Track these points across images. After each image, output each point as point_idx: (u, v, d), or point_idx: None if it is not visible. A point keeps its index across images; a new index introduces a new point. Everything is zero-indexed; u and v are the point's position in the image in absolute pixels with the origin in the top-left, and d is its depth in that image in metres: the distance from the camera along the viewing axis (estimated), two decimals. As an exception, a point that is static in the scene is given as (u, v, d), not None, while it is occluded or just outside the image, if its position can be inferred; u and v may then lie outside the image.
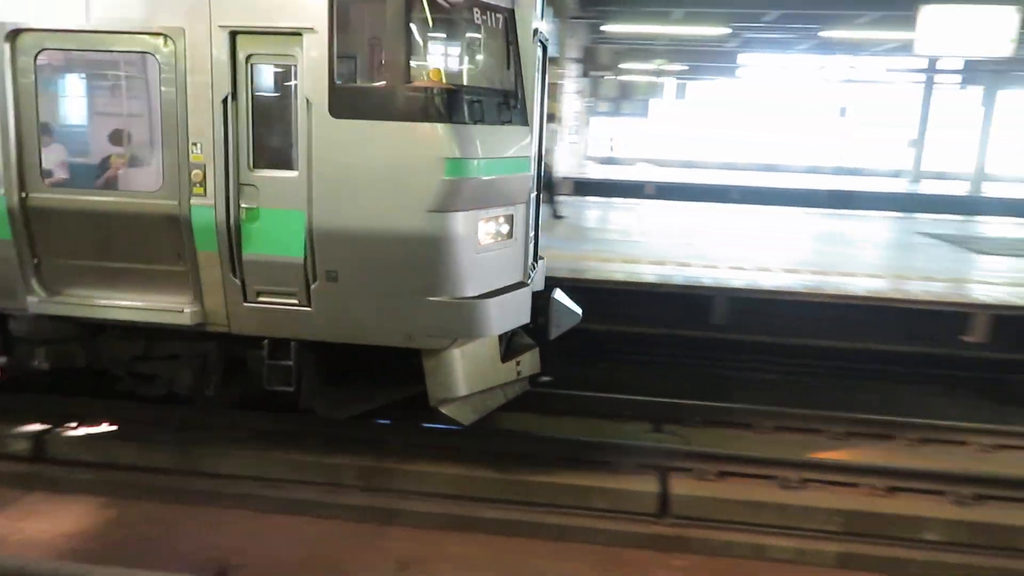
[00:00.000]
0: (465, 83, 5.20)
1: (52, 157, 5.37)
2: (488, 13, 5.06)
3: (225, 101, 4.93)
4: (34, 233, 5.31)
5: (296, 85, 4.90)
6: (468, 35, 5.14)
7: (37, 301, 5.42)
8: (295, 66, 4.88)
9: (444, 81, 4.88)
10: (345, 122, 4.85)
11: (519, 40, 5.20)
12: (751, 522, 5.38)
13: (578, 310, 6.33)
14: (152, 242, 5.26)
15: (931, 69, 28.63)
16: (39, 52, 5.11)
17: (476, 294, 5.14)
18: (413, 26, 4.78)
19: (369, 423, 6.27)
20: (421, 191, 4.85)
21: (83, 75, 5.90)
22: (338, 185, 4.93)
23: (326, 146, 4.90)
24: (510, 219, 5.36)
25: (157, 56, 5.01)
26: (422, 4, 4.76)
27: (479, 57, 5.22)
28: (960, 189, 27.28)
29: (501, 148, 5.14)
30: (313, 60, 4.79)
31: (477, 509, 5.49)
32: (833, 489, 5.60)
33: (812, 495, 5.53)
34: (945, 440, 6.53)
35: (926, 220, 16.34)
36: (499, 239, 5.30)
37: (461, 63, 5.26)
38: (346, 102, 4.85)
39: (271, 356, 5.43)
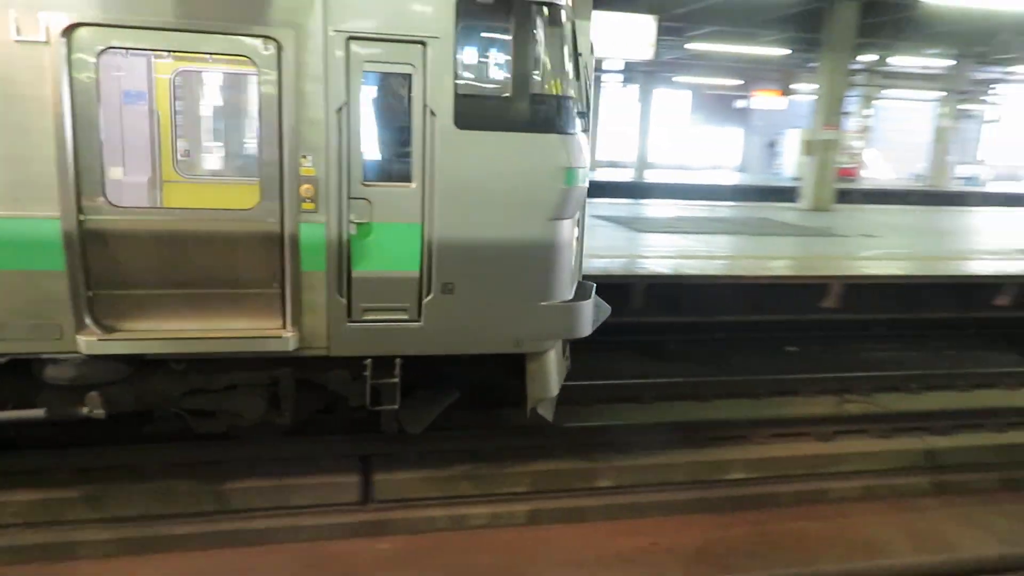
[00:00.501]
0: (570, 94, 5.11)
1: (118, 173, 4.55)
2: (573, 24, 5.11)
3: (340, 111, 4.59)
4: (91, 262, 4.52)
5: (415, 95, 4.72)
6: (567, 47, 5.05)
7: (94, 340, 4.56)
8: (415, 75, 4.68)
9: (560, 92, 4.93)
10: (470, 133, 4.78)
11: (583, 50, 5.29)
12: (450, 495, 5.71)
13: (607, 306, 6.24)
14: (241, 265, 4.74)
15: (597, 69, 32.20)
16: (103, 51, 4.33)
17: (573, 297, 5.35)
18: (538, 38, 4.82)
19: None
20: (544, 200, 4.97)
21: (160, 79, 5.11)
22: (460, 196, 4.85)
23: (449, 157, 4.78)
24: (578, 223, 5.54)
25: (257, 60, 4.50)
26: (544, 17, 4.81)
27: (572, 68, 5.15)
28: (627, 176, 31.17)
29: (585, 157, 5.23)
30: (437, 70, 4.66)
31: (167, 527, 5.16)
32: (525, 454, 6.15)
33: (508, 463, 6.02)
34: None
35: (600, 204, 18.30)
36: (574, 244, 5.46)
37: (564, 74, 5.08)
38: (472, 113, 4.76)
39: (374, 376, 5.08)
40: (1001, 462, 6.74)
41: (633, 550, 5.40)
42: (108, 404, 4.89)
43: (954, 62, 27.84)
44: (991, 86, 32.88)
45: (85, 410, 4.85)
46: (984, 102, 33.39)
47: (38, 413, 4.83)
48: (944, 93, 30.23)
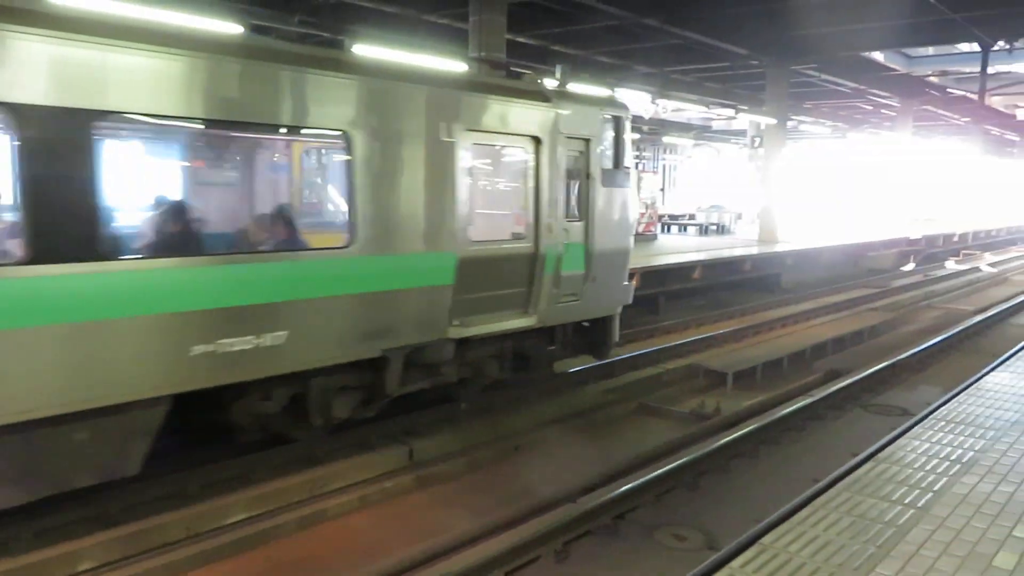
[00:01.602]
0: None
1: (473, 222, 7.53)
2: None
3: (565, 179, 8.37)
4: (459, 278, 7.28)
5: (584, 168, 8.68)
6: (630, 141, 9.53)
7: (459, 328, 7.40)
8: (584, 157, 8.65)
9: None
10: (606, 189, 8.91)
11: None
12: None
13: None
14: (511, 274, 7.99)
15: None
16: (471, 144, 7.44)
17: None
18: (626, 136, 9.24)
19: None
20: (631, 224, 9.66)
21: (490, 163, 8.24)
22: (601, 225, 8.87)
23: (598, 203, 8.81)
24: None
25: (529, 150, 8.10)
26: (624, 124, 9.16)
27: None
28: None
29: None
30: (594, 153, 8.70)
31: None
32: None
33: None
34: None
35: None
36: None
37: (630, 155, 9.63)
38: (608, 177, 8.92)
39: (551, 340, 9.11)
40: (463, 447, 7.80)
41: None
42: (451, 373, 7.74)
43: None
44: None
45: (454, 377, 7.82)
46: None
47: (423, 384, 7.53)
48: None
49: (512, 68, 16.22)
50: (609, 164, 8.94)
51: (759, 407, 9.50)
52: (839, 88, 27.86)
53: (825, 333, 13.53)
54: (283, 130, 6.42)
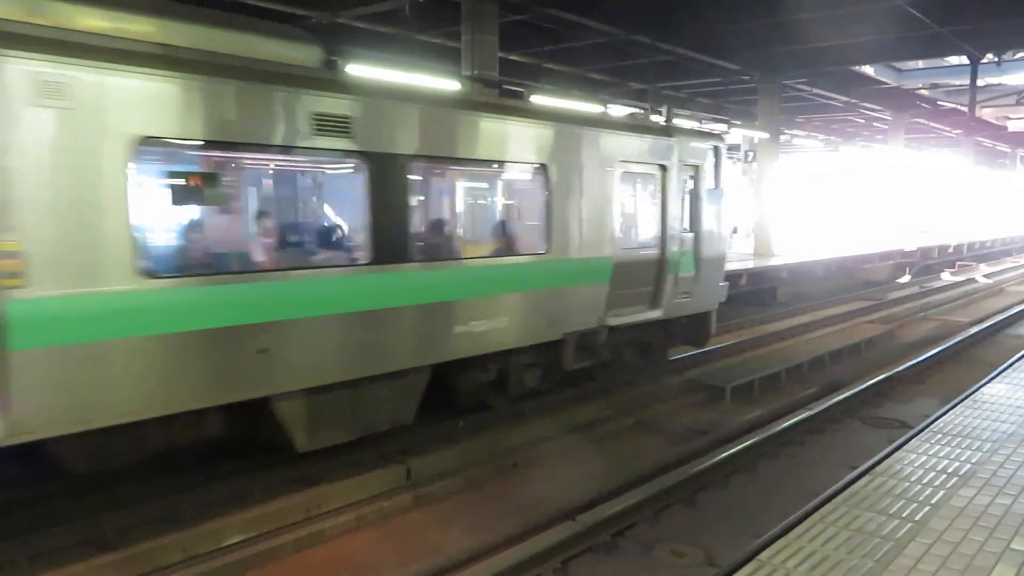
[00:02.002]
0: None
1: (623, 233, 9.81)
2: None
3: (681, 198, 10.48)
4: (613, 277, 9.42)
5: (695, 189, 10.79)
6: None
7: (613, 318, 9.48)
8: (695, 179, 10.78)
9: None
10: (709, 206, 10.97)
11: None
12: None
13: None
14: (645, 275, 10.05)
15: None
16: (621, 173, 9.58)
17: None
18: (722, 162, 11.28)
19: None
20: (726, 236, 12.14)
21: (632, 187, 10.16)
22: (707, 236, 10.98)
23: (705, 218, 10.90)
24: None
25: (657, 175, 10.22)
26: (721, 152, 11.32)
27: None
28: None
29: None
30: (702, 177, 10.87)
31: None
32: None
33: None
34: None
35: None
36: None
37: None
38: (710, 196, 10.97)
39: (667, 333, 11.12)
40: (462, 465, 7.77)
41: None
42: (605, 355, 9.79)
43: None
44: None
45: (599, 359, 9.76)
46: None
47: (586, 363, 9.60)
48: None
49: (505, 87, 16.31)
50: (711, 185, 11.05)
51: (757, 421, 9.49)
52: (830, 102, 28.03)
53: (822, 346, 13.55)
54: (512, 165, 8.67)
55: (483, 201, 9.61)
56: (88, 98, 5.08)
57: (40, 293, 4.90)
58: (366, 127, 6.79)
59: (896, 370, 11.65)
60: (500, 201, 9.57)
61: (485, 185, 9.43)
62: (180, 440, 6.21)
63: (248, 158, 6.84)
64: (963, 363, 13.32)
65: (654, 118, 11.04)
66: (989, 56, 18.45)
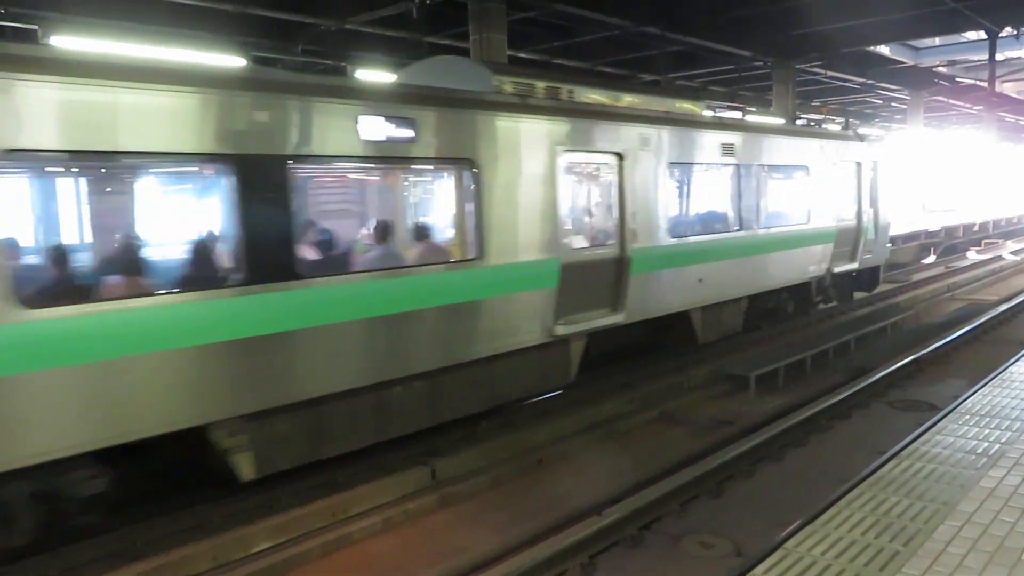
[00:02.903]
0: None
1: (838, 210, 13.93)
2: None
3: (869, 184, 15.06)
4: (836, 239, 13.49)
5: (872, 178, 15.29)
6: None
7: (838, 266, 14.04)
8: (873, 171, 15.20)
9: None
10: (881, 188, 15.48)
11: None
12: None
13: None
14: (851, 238, 14.50)
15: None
16: (855, 164, 14.25)
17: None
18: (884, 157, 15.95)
19: None
20: (887, 211, 16.05)
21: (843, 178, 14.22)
22: (880, 211, 15.43)
23: (878, 198, 15.32)
24: None
25: (863, 167, 14.58)
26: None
27: None
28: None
29: None
30: (878, 168, 15.38)
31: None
32: None
33: None
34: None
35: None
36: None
37: None
38: (879, 183, 15.51)
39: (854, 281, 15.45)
40: (486, 464, 7.77)
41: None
42: (830, 292, 14.26)
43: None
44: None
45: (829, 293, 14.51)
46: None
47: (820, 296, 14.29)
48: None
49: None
50: (879, 174, 15.11)
51: (783, 409, 9.40)
52: (847, 84, 27.68)
53: (847, 331, 13.39)
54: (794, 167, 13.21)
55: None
56: None
57: None
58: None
59: (923, 352, 11.48)
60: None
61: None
62: None
63: None
64: (991, 342, 13.10)
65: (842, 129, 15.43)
66: (1008, 30, 18.08)
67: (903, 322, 14.78)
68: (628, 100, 10.03)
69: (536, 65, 19.97)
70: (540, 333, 8.33)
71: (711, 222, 11.25)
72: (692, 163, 10.69)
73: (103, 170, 5.83)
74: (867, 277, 15.74)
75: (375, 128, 6.79)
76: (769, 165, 12.07)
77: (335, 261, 6.98)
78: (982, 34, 19.23)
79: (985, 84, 21.72)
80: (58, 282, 5.28)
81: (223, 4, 13.96)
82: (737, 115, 13.08)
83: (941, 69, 26.97)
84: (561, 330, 8.51)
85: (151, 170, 6.02)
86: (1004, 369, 8.05)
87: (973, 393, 7.13)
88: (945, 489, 4.73)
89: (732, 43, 19.35)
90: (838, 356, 12.23)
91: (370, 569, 6.00)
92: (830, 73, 24.39)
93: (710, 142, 10.84)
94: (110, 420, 5.29)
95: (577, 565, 5.73)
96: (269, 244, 6.05)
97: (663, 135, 9.93)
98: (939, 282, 20.19)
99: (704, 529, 6.37)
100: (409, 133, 7.04)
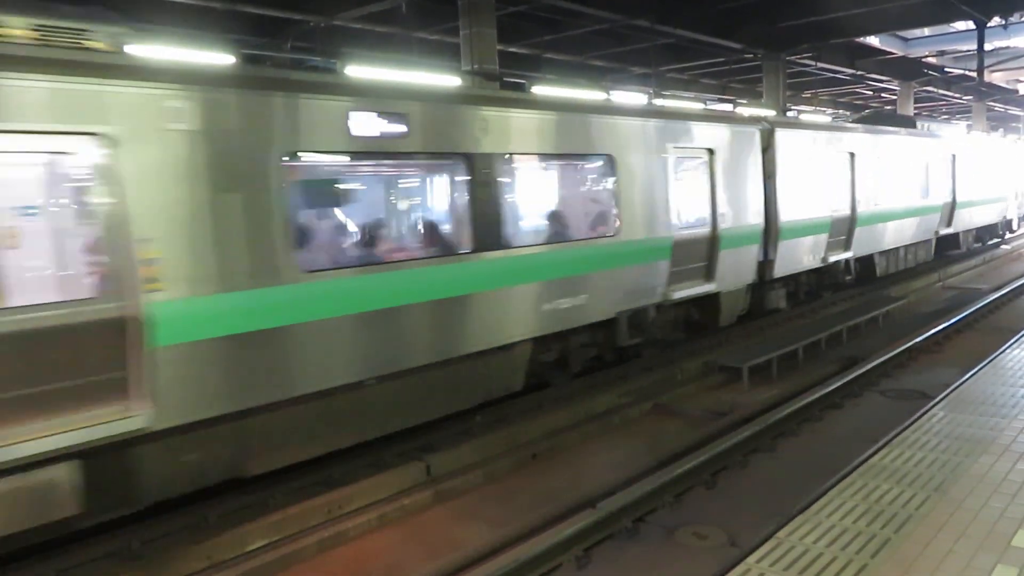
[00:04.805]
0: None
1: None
2: None
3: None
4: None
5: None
6: None
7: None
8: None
9: None
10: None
11: None
12: None
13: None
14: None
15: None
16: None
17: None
18: None
19: None
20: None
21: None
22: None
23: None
24: None
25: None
26: None
27: None
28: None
29: None
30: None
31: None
32: None
33: None
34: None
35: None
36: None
37: None
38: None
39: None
40: (480, 459, 7.79)
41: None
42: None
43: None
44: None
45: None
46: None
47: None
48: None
49: (506, 79, 16.28)
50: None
51: (776, 400, 9.44)
52: (837, 75, 27.73)
53: (839, 321, 13.43)
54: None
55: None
56: None
57: None
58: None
59: (915, 341, 11.53)
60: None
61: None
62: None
63: None
64: (983, 331, 13.16)
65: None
66: (996, 19, 18.14)
67: (895, 311, 14.81)
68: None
69: (527, 59, 19.95)
70: (659, 296, 10.37)
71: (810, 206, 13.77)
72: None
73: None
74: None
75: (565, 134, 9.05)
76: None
77: (533, 235, 8.85)
78: (971, 24, 19.28)
79: (974, 74, 21.80)
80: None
81: (211, 1, 13.90)
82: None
83: (931, 59, 27.04)
84: (675, 295, 10.46)
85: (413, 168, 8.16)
86: (995, 357, 8.11)
87: (964, 382, 7.17)
88: (936, 476, 4.77)
89: (723, 35, 19.36)
90: (830, 346, 12.27)
91: (367, 565, 6.01)
92: (820, 64, 24.43)
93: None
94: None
95: (572, 558, 5.75)
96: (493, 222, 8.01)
97: (745, 134, 12.03)
98: (931, 271, 20.29)
99: (698, 520, 6.40)
100: (586, 135, 9.23)
